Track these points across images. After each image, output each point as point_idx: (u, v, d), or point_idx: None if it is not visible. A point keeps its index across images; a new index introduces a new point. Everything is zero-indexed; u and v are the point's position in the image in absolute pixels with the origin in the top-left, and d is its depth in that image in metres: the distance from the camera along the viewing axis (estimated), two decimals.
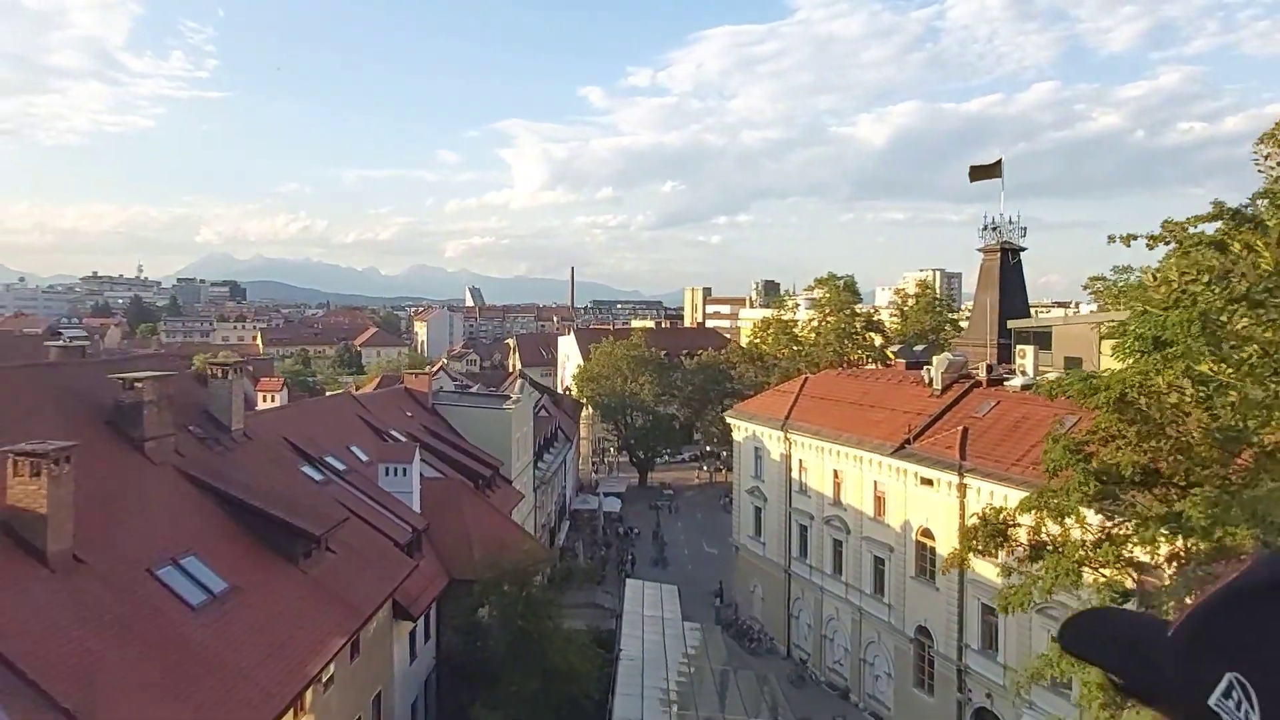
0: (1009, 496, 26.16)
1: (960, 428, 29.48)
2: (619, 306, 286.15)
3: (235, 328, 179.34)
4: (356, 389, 63.66)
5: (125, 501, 16.45)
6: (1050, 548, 11.71)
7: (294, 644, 16.18)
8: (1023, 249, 45.02)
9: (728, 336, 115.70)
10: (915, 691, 30.80)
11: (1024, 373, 32.50)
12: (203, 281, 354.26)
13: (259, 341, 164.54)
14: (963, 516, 27.93)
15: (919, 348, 48.75)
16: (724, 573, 46.19)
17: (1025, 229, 45.00)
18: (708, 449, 79.90)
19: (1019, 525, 12.71)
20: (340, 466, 24.89)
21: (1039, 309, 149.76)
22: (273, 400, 33.11)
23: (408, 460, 26.10)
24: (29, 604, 12.55)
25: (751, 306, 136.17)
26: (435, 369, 54.76)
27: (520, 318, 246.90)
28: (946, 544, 28.74)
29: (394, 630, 22.08)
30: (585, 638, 26.25)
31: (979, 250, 46.37)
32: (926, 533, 30.03)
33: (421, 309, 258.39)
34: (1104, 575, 11.24)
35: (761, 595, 41.26)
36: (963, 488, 27.87)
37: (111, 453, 17.22)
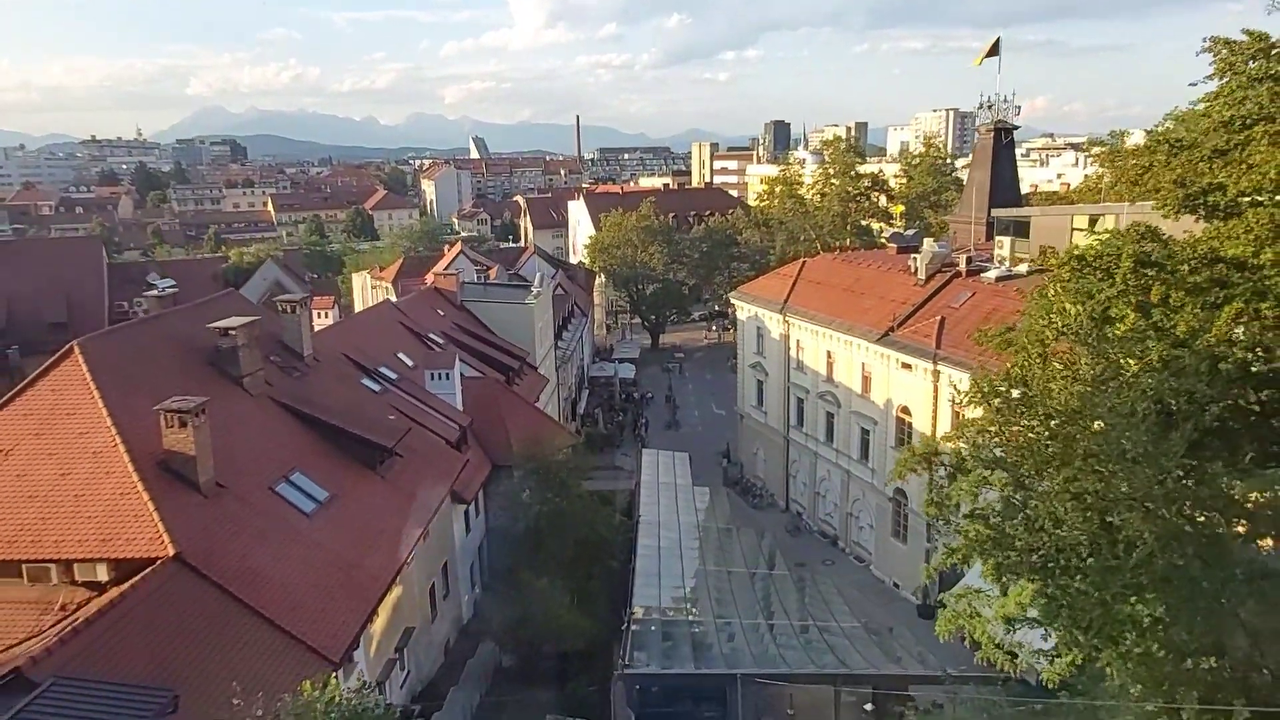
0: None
1: (938, 318, 32.80)
2: (625, 157, 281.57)
3: (245, 193, 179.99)
4: (381, 269, 67.04)
5: (239, 431, 20.38)
6: (962, 470, 15.37)
7: (385, 536, 20.62)
8: (1016, 127, 46.51)
9: (735, 195, 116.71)
10: (892, 540, 35.90)
11: (1001, 262, 35.40)
12: (202, 142, 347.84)
13: (270, 207, 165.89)
14: (936, 398, 31.88)
15: (911, 231, 51.14)
16: (730, 435, 51.01)
17: (1019, 107, 46.34)
18: (715, 309, 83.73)
19: (942, 453, 16.34)
20: (392, 376, 28.74)
21: (1050, 152, 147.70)
22: (326, 317, 36.40)
23: (450, 366, 29.92)
24: (198, 524, 16.70)
25: (759, 162, 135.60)
26: (455, 253, 57.65)
27: (527, 171, 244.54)
28: (921, 421, 32.89)
29: (452, 512, 26.67)
30: (609, 509, 30.89)
31: (974, 129, 47.82)
32: (905, 410, 34.06)
33: (427, 165, 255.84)
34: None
35: (763, 457, 46.20)
36: (936, 374, 31.58)
37: (219, 390, 20.92)
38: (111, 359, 19.11)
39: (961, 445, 12.86)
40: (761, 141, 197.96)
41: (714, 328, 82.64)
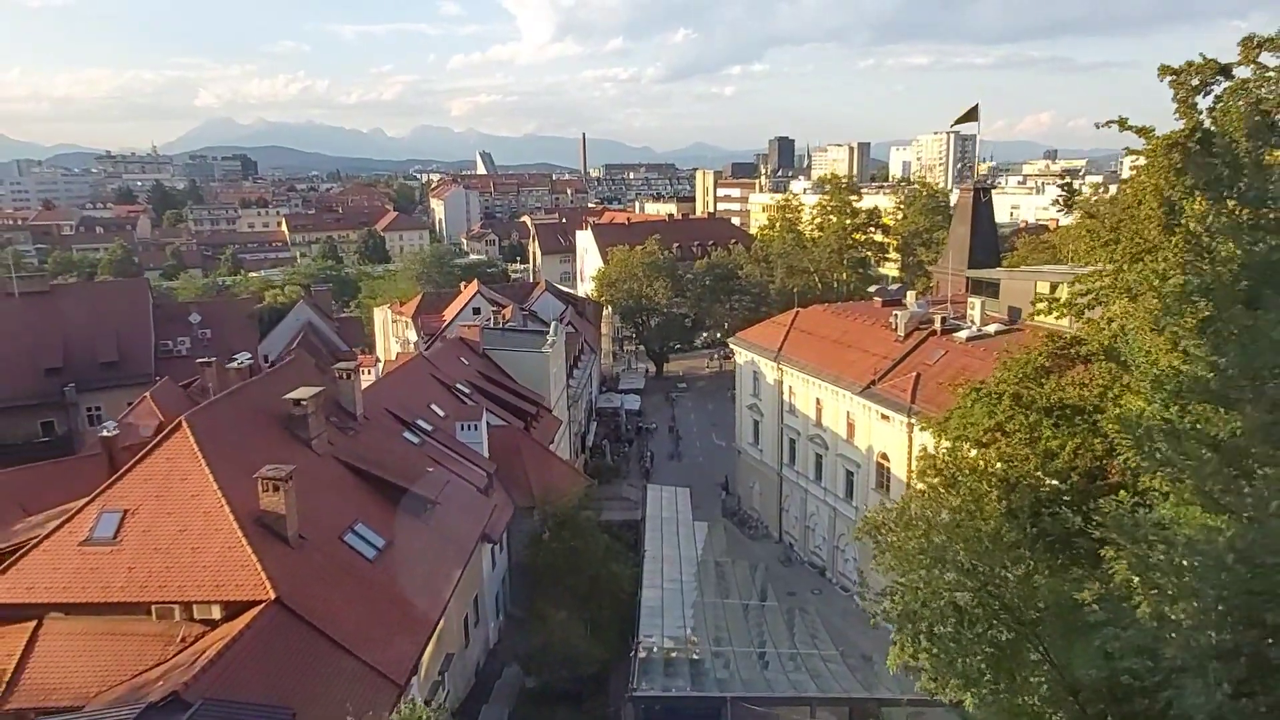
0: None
1: (914, 374, 36.59)
2: (631, 176, 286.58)
3: (259, 214, 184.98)
4: (401, 304, 71.00)
5: (311, 488, 24.12)
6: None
7: (432, 578, 24.40)
8: (993, 187, 50.66)
9: (738, 222, 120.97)
10: (873, 573, 39.53)
11: (972, 322, 39.20)
12: (214, 159, 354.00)
13: (284, 228, 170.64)
14: (910, 449, 35.61)
15: (895, 287, 54.99)
16: (729, 468, 54.73)
17: (996, 164, 50.49)
18: (718, 336, 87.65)
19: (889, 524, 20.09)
20: (428, 428, 32.57)
21: (1045, 179, 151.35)
22: (369, 374, 40.16)
23: (478, 418, 33.77)
24: (289, 572, 20.48)
25: (761, 190, 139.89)
26: (471, 292, 61.54)
27: (534, 190, 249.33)
28: (898, 467, 36.62)
29: (481, 550, 30.43)
30: (618, 545, 34.55)
31: (956, 186, 51.93)
32: (885, 456, 37.81)
33: (435, 183, 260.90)
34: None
35: (759, 491, 49.94)
36: (910, 426, 35.33)
37: (293, 452, 24.76)
38: (211, 430, 22.94)
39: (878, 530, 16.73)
40: (765, 169, 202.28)
41: (716, 356, 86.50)
